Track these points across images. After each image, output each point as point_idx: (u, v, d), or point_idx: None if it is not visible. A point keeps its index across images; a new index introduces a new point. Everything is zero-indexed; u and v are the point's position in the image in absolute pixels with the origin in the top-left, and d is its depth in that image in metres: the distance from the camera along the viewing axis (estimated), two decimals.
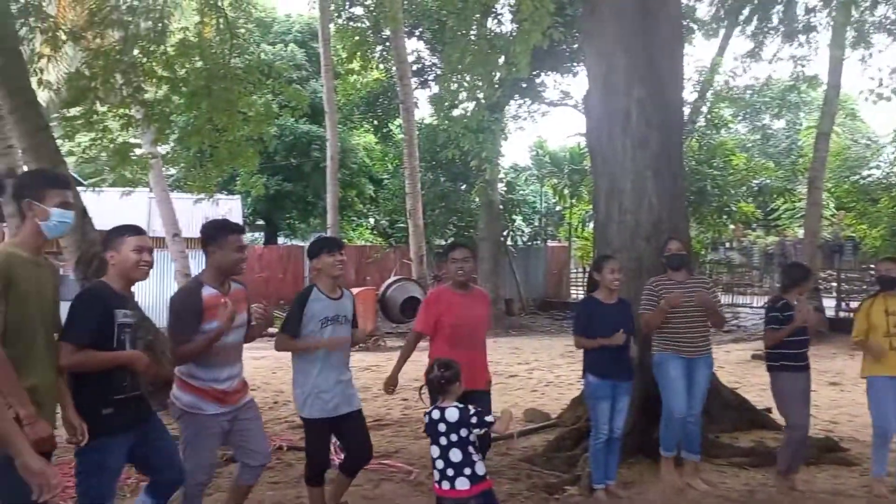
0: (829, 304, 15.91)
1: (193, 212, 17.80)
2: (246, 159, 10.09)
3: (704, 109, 20.51)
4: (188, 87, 8.84)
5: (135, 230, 3.39)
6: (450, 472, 3.53)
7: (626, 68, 6.48)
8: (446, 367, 3.71)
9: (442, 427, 3.57)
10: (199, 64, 9.10)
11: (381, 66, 20.07)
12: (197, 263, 15.39)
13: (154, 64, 8.75)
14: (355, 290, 15.31)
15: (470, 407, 3.64)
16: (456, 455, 3.53)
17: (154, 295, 18.78)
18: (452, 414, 3.57)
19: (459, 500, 3.52)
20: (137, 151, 10.55)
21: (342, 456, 4.70)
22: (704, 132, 20.48)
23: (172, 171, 20.04)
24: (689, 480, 5.14)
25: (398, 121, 20.66)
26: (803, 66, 15.55)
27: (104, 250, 3.37)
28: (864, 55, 13.78)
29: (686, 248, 5.62)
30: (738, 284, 23.73)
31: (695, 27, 16.55)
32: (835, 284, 18.37)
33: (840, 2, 11.79)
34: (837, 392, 8.88)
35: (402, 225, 21.22)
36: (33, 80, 7.61)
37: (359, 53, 17.35)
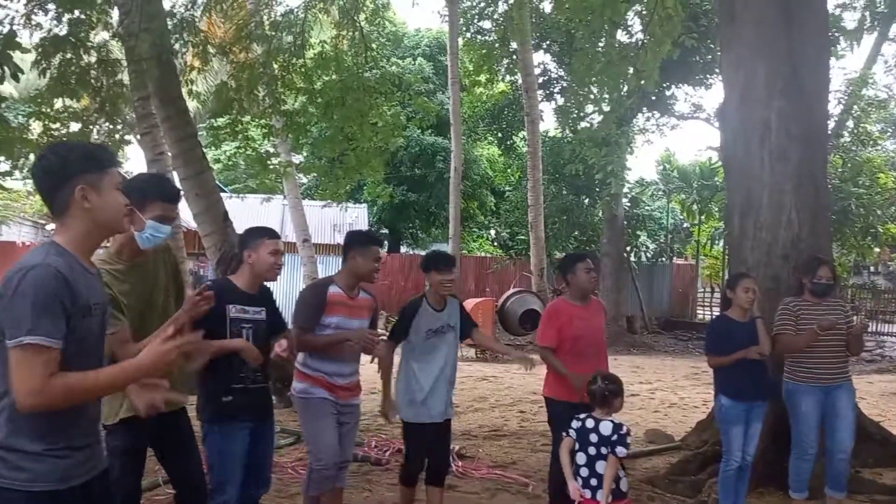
0: None
1: (322, 219, 18.60)
2: (373, 169, 10.43)
3: (850, 124, 19.24)
4: (324, 97, 9.25)
5: (271, 233, 3.58)
6: (594, 481, 3.60)
7: (766, 78, 6.19)
8: (611, 381, 3.80)
9: (594, 437, 3.65)
10: (335, 76, 9.52)
11: (507, 78, 20.18)
12: (324, 268, 16.03)
13: (293, 76, 9.22)
14: (474, 301, 15.51)
15: (624, 426, 3.69)
16: (602, 467, 3.59)
17: (284, 296, 19.77)
18: (607, 427, 3.64)
19: None
20: (275, 160, 11.14)
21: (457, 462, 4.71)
22: (849, 148, 19.21)
23: (304, 179, 20.98)
24: None
25: (522, 133, 20.70)
26: None
27: (241, 249, 3.57)
28: None
29: (834, 274, 5.27)
30: (884, 311, 22.03)
31: (840, 36, 15.55)
32: None
33: None
34: None
35: (522, 237, 21.18)
36: (184, 91, 8.21)
37: (485, 66, 17.52)
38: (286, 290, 20.04)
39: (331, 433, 3.94)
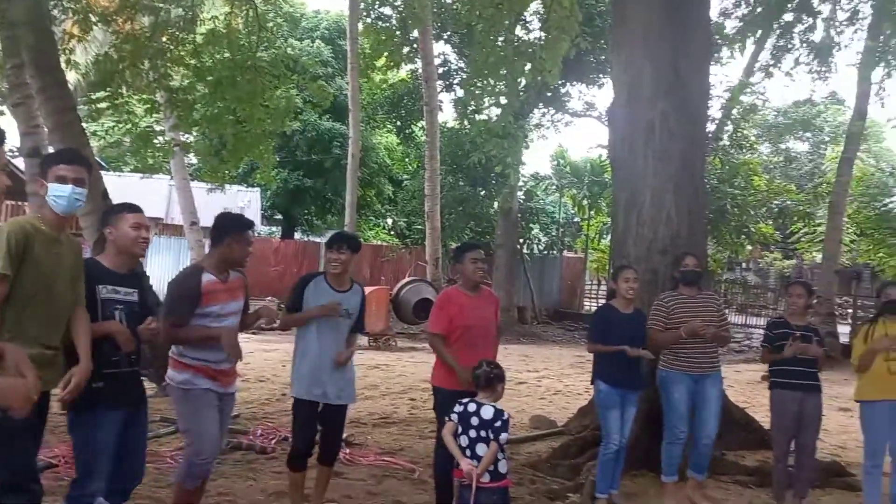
0: (843, 329, 15.75)
1: (211, 201, 17.97)
2: (262, 153, 10.15)
3: (729, 128, 20.41)
4: (213, 76, 8.93)
5: (131, 207, 3.44)
6: (474, 462, 3.65)
7: (652, 80, 6.46)
8: (496, 366, 3.94)
9: (475, 421, 3.71)
10: (226, 54, 9.19)
11: (407, 66, 20.14)
12: None
13: (181, 51, 8.84)
14: (368, 289, 15.43)
15: (506, 412, 3.78)
16: (482, 450, 3.66)
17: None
18: (488, 412, 3.72)
19: (479, 489, 3.59)
20: (161, 138, 10.67)
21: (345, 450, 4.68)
22: (728, 151, 20.37)
23: (195, 160, 20.20)
24: (692, 496, 5.11)
25: (421, 122, 20.73)
26: (824, 80, 15.31)
27: (102, 226, 3.42)
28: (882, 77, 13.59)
29: (702, 265, 5.59)
30: (753, 305, 23.61)
31: (722, 44, 16.43)
32: (850, 311, 18.21)
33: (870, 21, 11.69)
34: (847, 417, 8.76)
35: (419, 226, 21.29)
36: (63, 61, 7.71)
37: (385, 53, 17.42)
38: (173, 274, 19.24)
39: (214, 425, 3.83)
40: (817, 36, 13.16)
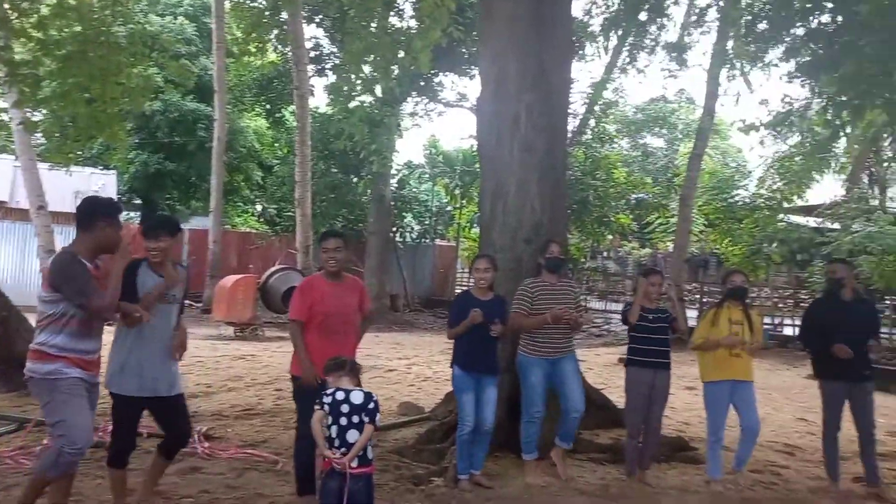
0: (692, 314, 16.89)
1: (62, 184, 16.75)
2: (114, 134, 9.51)
3: (592, 122, 21.31)
4: (61, 50, 8.28)
5: None
6: (343, 450, 3.64)
7: (517, 73, 6.63)
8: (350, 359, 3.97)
9: (345, 408, 3.69)
10: (77, 28, 8.55)
11: (277, 49, 19.61)
12: (64, 239, 14.46)
13: (25, 23, 8.14)
14: (234, 278, 14.98)
15: (374, 395, 3.80)
16: (352, 436, 3.66)
17: (15, 271, 17.55)
18: (358, 396, 3.73)
19: (344, 474, 3.60)
20: (4, 115, 9.79)
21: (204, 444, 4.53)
22: (591, 144, 21.28)
23: (44, 139, 18.73)
24: (557, 462, 5.36)
25: (292, 107, 20.26)
26: (674, 77, 16.34)
27: None
28: (730, 76, 14.58)
29: (565, 251, 5.83)
30: (612, 292, 24.89)
31: (585, 41, 17.13)
32: (698, 296, 19.59)
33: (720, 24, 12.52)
34: (693, 395, 9.42)
35: (290, 213, 20.82)
36: None
37: (254, 34, 16.86)
38: (17, 262, 17.83)
39: (86, 415, 3.72)
40: (670, 36, 13.99)
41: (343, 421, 3.68)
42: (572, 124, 20.17)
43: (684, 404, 8.76)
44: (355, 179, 20.80)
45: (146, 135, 22.02)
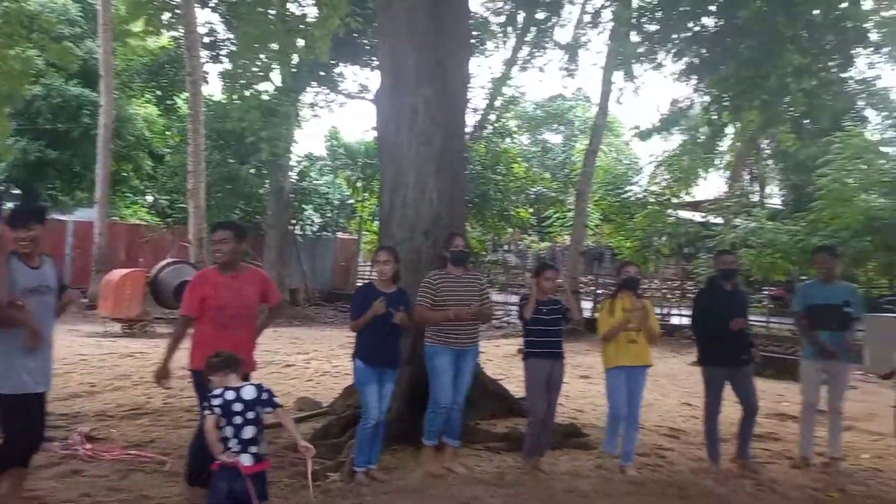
0: (587, 305, 17.46)
1: None
2: None
3: (493, 118, 21.61)
4: None
5: None
6: (237, 448, 3.55)
7: (415, 66, 6.63)
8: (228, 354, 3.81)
9: (238, 406, 3.59)
10: None
11: (169, 32, 18.79)
12: None
13: None
14: (122, 272, 14.27)
15: (263, 385, 3.71)
16: (248, 433, 3.57)
17: None
18: (249, 392, 3.63)
19: (240, 474, 3.50)
20: None
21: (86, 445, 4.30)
22: (492, 139, 21.57)
23: None
24: (450, 465, 5.38)
25: (185, 94, 19.48)
26: (571, 76, 16.74)
27: None
28: (623, 77, 15.05)
29: (468, 244, 5.88)
30: (512, 284, 25.37)
31: (485, 37, 17.34)
32: (593, 288, 20.25)
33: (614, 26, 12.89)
34: (586, 384, 9.76)
35: (183, 205, 20.04)
36: None
37: (141, 16, 16.06)
38: None
39: None
40: (567, 35, 14.33)
41: (237, 420, 3.57)
42: (473, 119, 20.41)
43: (578, 392, 9.04)
44: (252, 170, 20.23)
45: (26, 120, 20.63)
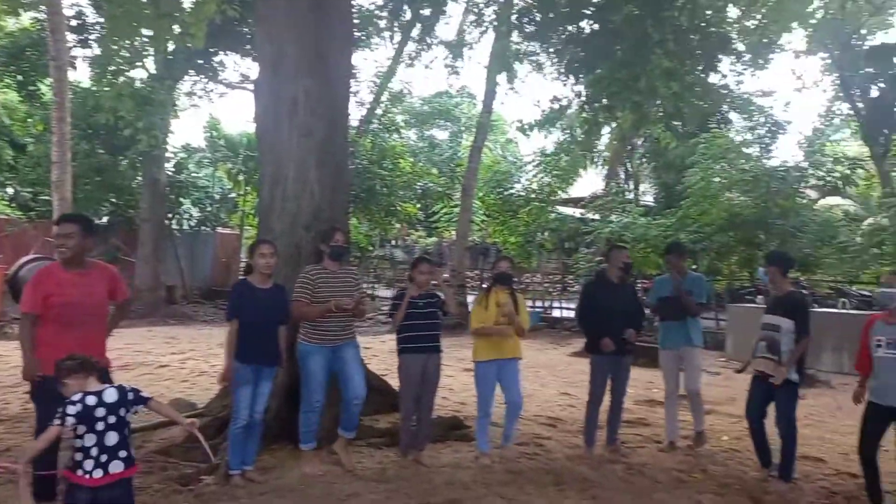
0: (473, 299, 17.69)
1: None
2: None
3: (380, 112, 21.51)
4: None
5: None
6: (103, 457, 3.31)
7: (295, 56, 6.48)
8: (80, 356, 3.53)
9: (101, 412, 3.35)
10: None
11: (30, 13, 17.53)
12: None
13: None
14: None
15: (125, 384, 3.51)
16: (112, 438, 3.35)
17: None
18: (111, 394, 3.41)
19: (106, 485, 3.29)
20: None
21: None
22: (378, 134, 21.48)
23: None
24: (340, 451, 5.32)
25: (49, 80, 18.20)
26: (456, 74, 16.91)
27: None
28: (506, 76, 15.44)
29: (349, 239, 5.81)
30: (400, 280, 25.38)
31: (373, 31, 17.23)
32: (479, 282, 20.58)
33: (498, 28, 13.15)
34: (470, 376, 9.85)
35: (47, 197, 18.72)
36: None
37: None
38: None
39: None
40: (453, 33, 14.46)
41: (100, 426, 3.33)
42: (359, 113, 20.26)
43: (462, 385, 9.14)
44: (125, 161, 19.17)
45: None
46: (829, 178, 18.78)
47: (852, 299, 16.66)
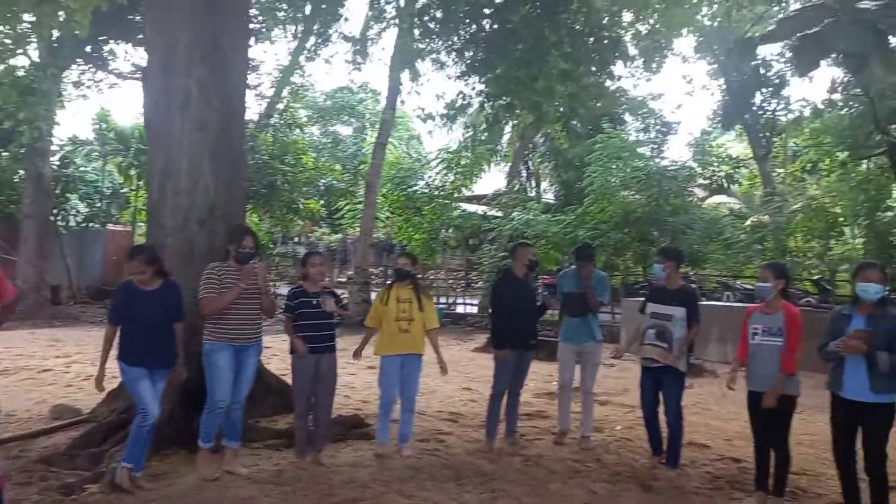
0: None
1: None
2: None
3: (281, 106, 21.05)
4: None
5: None
6: None
7: (189, 46, 6.28)
8: None
9: None
10: None
11: None
12: None
13: None
14: None
15: None
16: None
17: None
18: None
19: None
20: None
21: None
22: (279, 129, 21.00)
23: None
24: (228, 467, 5.15)
25: None
26: (358, 69, 16.74)
27: None
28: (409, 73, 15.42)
29: (258, 243, 5.63)
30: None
31: (271, 23, 16.83)
32: (383, 279, 20.53)
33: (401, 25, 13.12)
34: (373, 374, 9.81)
35: None
36: None
37: None
38: None
39: None
40: (356, 28, 14.33)
41: None
42: (259, 107, 19.77)
43: (365, 383, 9.08)
44: (6, 154, 17.97)
45: None
46: (714, 178, 19.82)
47: (736, 292, 17.62)
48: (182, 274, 5.64)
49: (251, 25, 9.76)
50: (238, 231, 5.43)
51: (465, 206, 22.99)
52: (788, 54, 18.65)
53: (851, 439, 4.42)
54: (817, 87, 40.29)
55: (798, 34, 4.29)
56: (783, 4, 14.42)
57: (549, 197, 26.22)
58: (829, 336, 4.49)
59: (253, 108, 19.27)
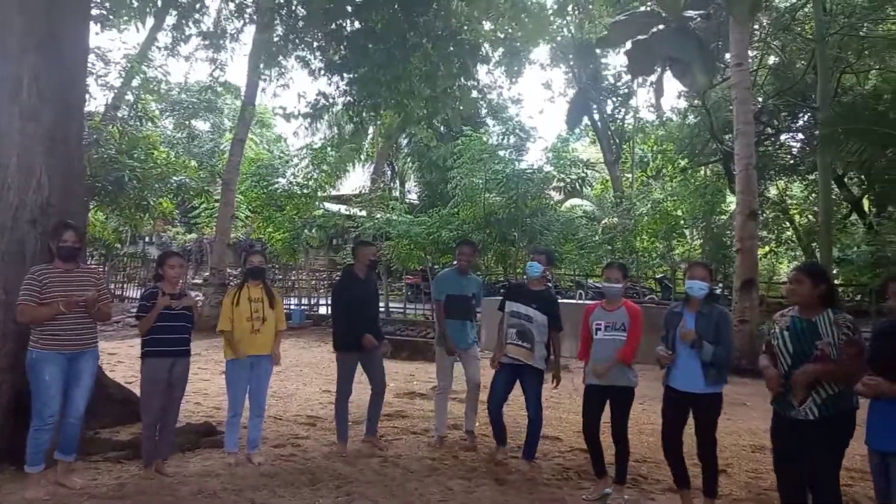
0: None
1: None
2: None
3: (130, 98, 19.88)
4: None
5: None
6: None
7: (21, 31, 5.80)
8: None
9: None
10: None
11: None
12: None
13: None
14: None
15: None
16: None
17: None
18: None
19: None
20: None
21: None
22: (128, 122, 19.82)
23: None
24: (62, 480, 4.80)
25: None
26: (221, 70, 16.20)
27: None
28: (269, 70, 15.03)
29: (81, 238, 5.26)
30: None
31: (118, 11, 15.83)
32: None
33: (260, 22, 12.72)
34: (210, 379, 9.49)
35: None
36: None
37: None
38: None
39: None
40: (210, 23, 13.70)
41: None
42: (107, 98, 18.59)
43: (218, 389, 8.73)
44: None
45: None
46: (568, 181, 20.73)
47: (589, 291, 18.52)
48: (12, 278, 5.21)
49: (94, 11, 9.12)
50: (57, 226, 5.09)
51: (328, 205, 22.72)
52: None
53: (680, 428, 4.76)
54: (667, 97, 43.11)
55: (632, 40, 4.56)
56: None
57: (413, 197, 26.44)
58: (665, 332, 4.82)
59: (98, 100, 18.08)
